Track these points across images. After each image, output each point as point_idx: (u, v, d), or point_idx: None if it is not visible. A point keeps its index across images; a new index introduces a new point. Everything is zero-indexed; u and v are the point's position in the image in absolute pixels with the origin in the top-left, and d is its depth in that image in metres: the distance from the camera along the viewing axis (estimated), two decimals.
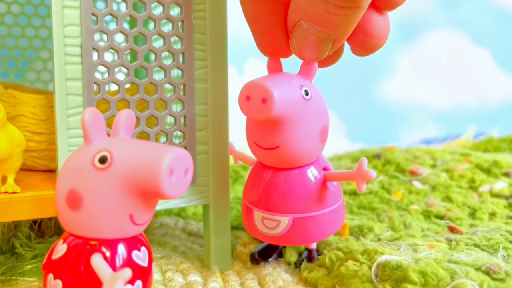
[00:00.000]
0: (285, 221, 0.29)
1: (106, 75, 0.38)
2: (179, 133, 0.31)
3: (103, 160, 0.20)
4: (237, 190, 0.49)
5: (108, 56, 0.29)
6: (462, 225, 0.37)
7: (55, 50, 0.27)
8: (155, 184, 0.19)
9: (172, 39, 0.30)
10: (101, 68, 0.42)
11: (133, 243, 0.21)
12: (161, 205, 0.30)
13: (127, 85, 0.29)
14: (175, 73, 0.31)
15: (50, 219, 0.37)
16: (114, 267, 0.20)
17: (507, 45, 0.88)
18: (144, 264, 0.22)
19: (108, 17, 0.42)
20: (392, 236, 0.34)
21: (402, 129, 0.86)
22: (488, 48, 0.88)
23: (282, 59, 0.29)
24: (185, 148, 0.31)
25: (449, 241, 0.32)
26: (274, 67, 0.29)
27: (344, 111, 0.84)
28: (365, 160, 0.28)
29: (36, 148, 0.34)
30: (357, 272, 0.27)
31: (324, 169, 0.30)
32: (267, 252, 0.33)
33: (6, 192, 0.28)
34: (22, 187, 0.29)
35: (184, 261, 0.34)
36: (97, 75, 0.41)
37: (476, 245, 0.32)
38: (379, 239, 0.33)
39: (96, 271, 0.20)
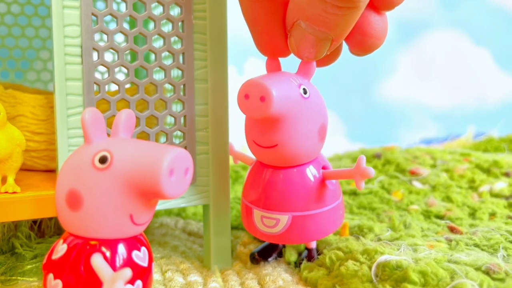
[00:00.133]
0: (284, 219, 0.29)
1: (106, 75, 0.38)
2: (179, 133, 0.31)
3: (103, 160, 0.20)
4: (237, 190, 0.49)
5: (108, 56, 0.29)
6: (462, 225, 0.37)
7: (55, 50, 0.27)
8: (155, 184, 0.19)
9: (172, 39, 0.30)
10: (101, 68, 0.42)
11: (133, 243, 0.21)
12: (161, 205, 0.30)
13: (127, 85, 0.29)
14: (175, 73, 0.31)
15: (50, 219, 0.37)
16: (114, 267, 0.20)
17: (507, 45, 0.88)
18: (144, 264, 0.22)
19: (108, 17, 0.42)
20: (392, 236, 0.34)
21: (402, 129, 0.86)
22: (488, 48, 0.88)
23: (280, 59, 0.29)
24: (185, 148, 0.31)
25: (449, 241, 0.32)
26: (273, 67, 0.29)
27: (344, 111, 0.84)
28: (363, 157, 0.28)
29: (36, 148, 0.34)
30: (357, 272, 0.27)
31: (323, 167, 0.30)
32: (267, 252, 0.33)
33: (6, 192, 0.28)
34: (22, 187, 0.29)
35: (184, 261, 0.34)
36: (97, 75, 0.41)
37: (476, 245, 0.32)
38: (379, 239, 0.33)
39: (96, 271, 0.20)
